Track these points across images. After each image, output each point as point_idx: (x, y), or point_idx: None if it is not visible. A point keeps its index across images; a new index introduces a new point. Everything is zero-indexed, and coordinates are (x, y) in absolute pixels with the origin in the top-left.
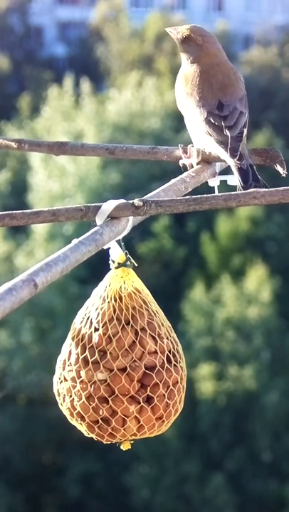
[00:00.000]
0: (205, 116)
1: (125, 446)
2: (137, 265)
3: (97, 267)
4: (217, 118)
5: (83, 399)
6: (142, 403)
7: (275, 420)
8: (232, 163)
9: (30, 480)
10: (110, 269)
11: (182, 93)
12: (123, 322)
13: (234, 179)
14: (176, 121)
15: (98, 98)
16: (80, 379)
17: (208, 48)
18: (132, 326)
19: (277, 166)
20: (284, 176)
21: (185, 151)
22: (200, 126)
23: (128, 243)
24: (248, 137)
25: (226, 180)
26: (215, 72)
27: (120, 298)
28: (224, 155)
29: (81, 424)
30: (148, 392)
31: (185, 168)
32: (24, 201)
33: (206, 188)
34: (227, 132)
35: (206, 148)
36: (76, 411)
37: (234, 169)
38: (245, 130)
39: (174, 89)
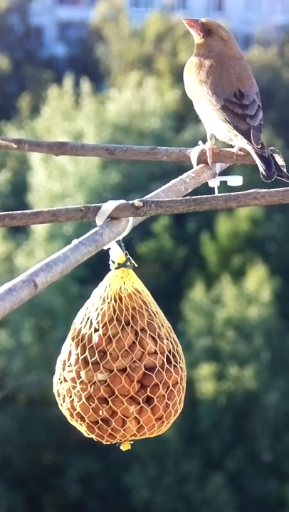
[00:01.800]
0: (222, 103)
1: (125, 447)
2: (137, 266)
3: (97, 267)
4: (237, 106)
5: (83, 399)
6: (141, 404)
7: (275, 420)
8: (253, 151)
9: (30, 480)
10: (110, 269)
11: (194, 80)
12: (123, 323)
13: (257, 166)
14: (176, 121)
15: (98, 98)
16: (80, 379)
17: (232, 43)
18: (132, 327)
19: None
20: None
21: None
22: (215, 113)
23: (128, 243)
24: None
25: (226, 181)
26: (234, 64)
27: (120, 298)
28: (243, 143)
29: (81, 424)
30: (148, 393)
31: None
32: (24, 201)
33: (206, 189)
34: (249, 121)
35: (218, 135)
36: (76, 411)
37: (256, 157)
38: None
39: (185, 77)
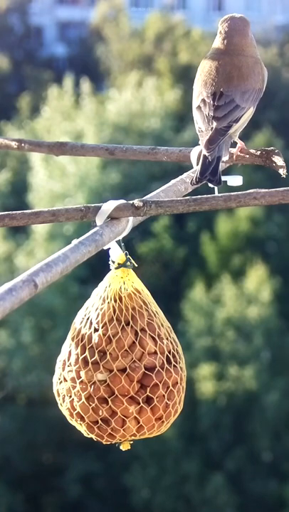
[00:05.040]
0: (198, 104)
1: (125, 447)
2: (137, 266)
3: (97, 267)
4: (208, 107)
5: (83, 399)
6: (141, 404)
7: (275, 420)
8: (203, 152)
9: (30, 480)
10: (110, 269)
11: (196, 78)
12: (123, 323)
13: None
14: (176, 121)
15: (98, 98)
16: (80, 379)
17: (231, 36)
18: (131, 327)
19: (277, 166)
20: (284, 176)
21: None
22: (193, 112)
23: (128, 243)
24: (248, 137)
25: (226, 181)
26: (226, 61)
27: (120, 298)
28: (201, 144)
29: (81, 424)
30: (148, 393)
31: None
32: (24, 201)
33: (206, 189)
34: (213, 123)
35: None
36: (76, 411)
37: (200, 159)
38: (237, 124)
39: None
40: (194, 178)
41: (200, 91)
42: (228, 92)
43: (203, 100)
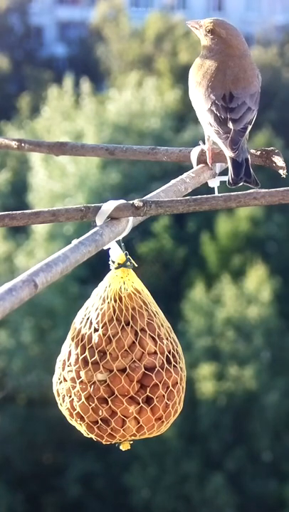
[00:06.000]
0: (209, 106)
1: (125, 447)
2: (137, 266)
3: (97, 267)
4: (222, 109)
5: (83, 399)
6: (141, 404)
7: (275, 420)
8: (228, 154)
9: (30, 480)
10: (110, 269)
11: (193, 81)
12: (123, 323)
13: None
14: (176, 121)
15: (98, 98)
16: (80, 379)
17: (231, 40)
18: (131, 327)
19: (277, 166)
20: (284, 176)
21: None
22: (204, 115)
23: (128, 243)
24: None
25: (226, 181)
26: (232, 64)
27: (120, 298)
28: (223, 147)
29: (80, 424)
30: (147, 393)
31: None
32: (24, 201)
33: (206, 189)
34: (231, 125)
35: (211, 137)
36: (76, 411)
37: (229, 162)
38: (250, 126)
39: (189, 78)
40: (230, 179)
41: (207, 93)
42: (238, 95)
43: (214, 102)
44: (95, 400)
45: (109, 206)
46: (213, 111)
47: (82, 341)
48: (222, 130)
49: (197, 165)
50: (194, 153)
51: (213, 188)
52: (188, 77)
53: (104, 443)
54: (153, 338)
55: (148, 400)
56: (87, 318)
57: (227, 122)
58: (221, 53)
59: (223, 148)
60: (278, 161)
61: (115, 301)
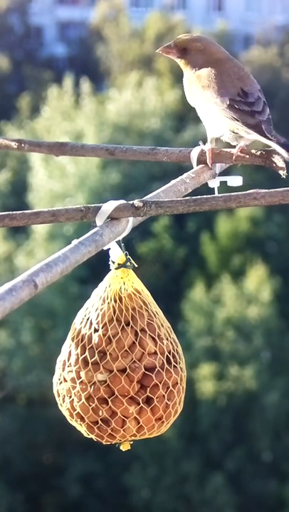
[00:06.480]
0: (228, 103)
1: (125, 447)
2: (137, 266)
3: (97, 267)
4: (243, 104)
5: (83, 400)
6: (141, 404)
7: (275, 420)
8: (270, 141)
9: (30, 480)
10: (110, 269)
11: (196, 88)
12: (123, 323)
13: (278, 154)
14: (176, 121)
15: (98, 98)
16: (80, 380)
17: (211, 48)
18: (131, 327)
19: (277, 167)
20: (284, 177)
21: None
22: (222, 113)
23: (128, 244)
24: None
25: (226, 182)
26: (228, 66)
27: (120, 299)
28: (256, 137)
29: (81, 424)
30: (148, 393)
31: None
32: (24, 201)
33: (206, 189)
34: (257, 116)
35: (224, 136)
36: (76, 412)
37: (275, 145)
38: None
39: (186, 89)
40: (286, 156)
41: (220, 93)
42: (250, 90)
43: (233, 99)
44: (95, 400)
45: (109, 206)
46: (235, 106)
47: (82, 342)
48: (252, 122)
49: (197, 165)
50: (194, 154)
51: (213, 188)
52: (187, 88)
53: (104, 443)
54: (153, 339)
55: (148, 401)
56: (87, 319)
57: (253, 115)
58: (209, 62)
59: (259, 138)
60: (278, 161)
61: (115, 301)
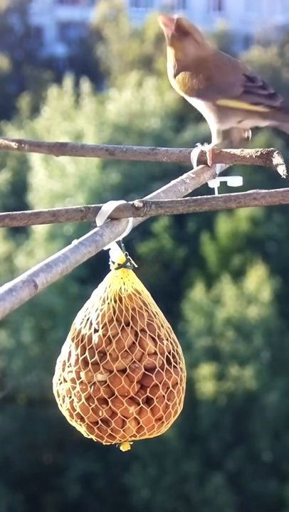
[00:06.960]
0: (243, 89)
1: (125, 447)
2: (137, 266)
3: (97, 267)
4: (256, 88)
5: (83, 400)
6: (141, 404)
7: (275, 420)
8: None
9: (30, 480)
10: (110, 270)
11: (196, 80)
12: (123, 323)
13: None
14: (176, 121)
15: (98, 98)
16: (80, 380)
17: (205, 46)
18: (131, 328)
19: (277, 167)
20: (284, 177)
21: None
22: (237, 101)
23: (128, 244)
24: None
25: (226, 182)
26: (220, 56)
27: (120, 299)
28: (280, 120)
29: (81, 425)
30: (148, 394)
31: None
32: (24, 201)
33: (206, 190)
34: (277, 97)
35: (244, 123)
36: (76, 412)
37: None
38: None
39: (171, 75)
40: None
41: (228, 81)
42: (253, 74)
43: (244, 85)
44: (95, 400)
45: (109, 207)
46: (251, 91)
47: (82, 342)
48: (274, 103)
49: (197, 165)
50: (194, 154)
51: (213, 188)
52: (183, 88)
53: (104, 443)
54: (153, 339)
55: (148, 401)
56: (87, 319)
57: (273, 97)
58: (201, 54)
59: (281, 123)
60: (278, 160)
61: (115, 301)
